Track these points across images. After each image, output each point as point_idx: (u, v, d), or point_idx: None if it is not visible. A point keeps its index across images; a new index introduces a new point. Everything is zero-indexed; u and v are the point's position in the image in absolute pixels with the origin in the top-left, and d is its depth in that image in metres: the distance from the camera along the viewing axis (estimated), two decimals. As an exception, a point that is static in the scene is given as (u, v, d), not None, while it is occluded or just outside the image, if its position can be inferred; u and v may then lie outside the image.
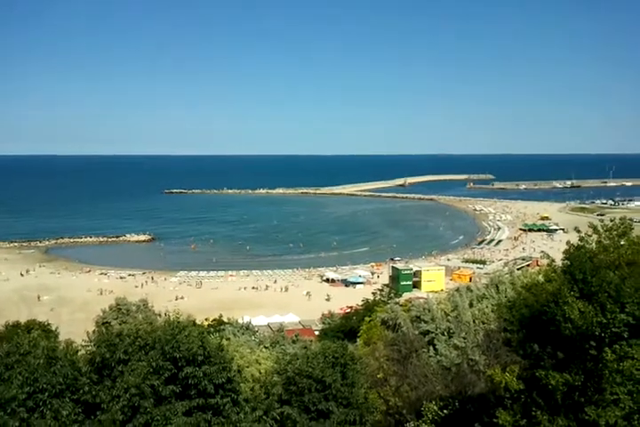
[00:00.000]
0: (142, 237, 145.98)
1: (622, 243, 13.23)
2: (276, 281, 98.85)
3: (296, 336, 38.26)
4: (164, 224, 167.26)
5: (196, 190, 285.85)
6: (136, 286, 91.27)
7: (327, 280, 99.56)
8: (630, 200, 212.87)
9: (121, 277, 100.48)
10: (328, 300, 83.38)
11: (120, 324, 28.87)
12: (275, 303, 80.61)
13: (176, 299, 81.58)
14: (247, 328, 40.11)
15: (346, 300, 74.95)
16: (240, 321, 45.36)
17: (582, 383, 12.48)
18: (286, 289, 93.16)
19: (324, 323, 59.75)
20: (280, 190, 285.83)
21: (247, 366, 20.43)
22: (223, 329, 37.17)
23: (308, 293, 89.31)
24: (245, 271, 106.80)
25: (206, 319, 48.08)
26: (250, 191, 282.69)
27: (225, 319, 48.35)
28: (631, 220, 14.36)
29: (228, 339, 27.67)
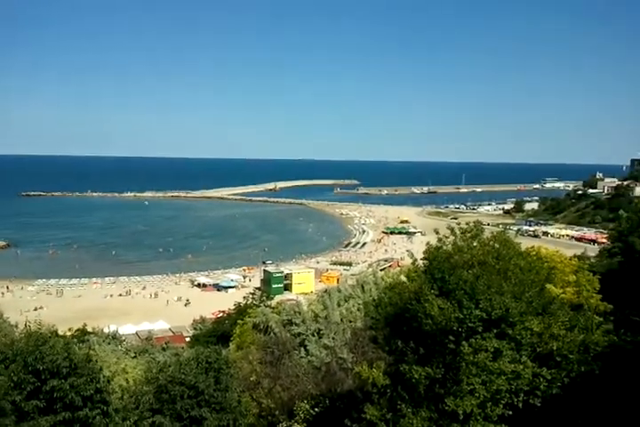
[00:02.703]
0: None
1: (474, 244, 14.33)
2: (144, 287, 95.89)
3: (166, 344, 37.45)
4: (20, 229, 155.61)
5: (57, 193, 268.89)
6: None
7: (198, 285, 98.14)
8: (480, 205, 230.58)
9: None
10: (186, 305, 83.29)
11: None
12: (143, 310, 78.30)
13: (35, 309, 76.58)
14: (114, 337, 38.59)
15: (217, 304, 74.29)
16: (106, 330, 43.54)
17: (442, 376, 13.05)
18: (156, 295, 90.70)
19: (195, 329, 58.79)
20: (149, 194, 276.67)
21: (114, 377, 19.73)
22: (87, 339, 35.43)
23: (179, 298, 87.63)
24: (111, 278, 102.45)
25: (69, 329, 45.54)
26: (117, 195, 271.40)
27: (89, 329, 46.08)
28: (481, 223, 15.58)
29: (93, 349, 26.48)
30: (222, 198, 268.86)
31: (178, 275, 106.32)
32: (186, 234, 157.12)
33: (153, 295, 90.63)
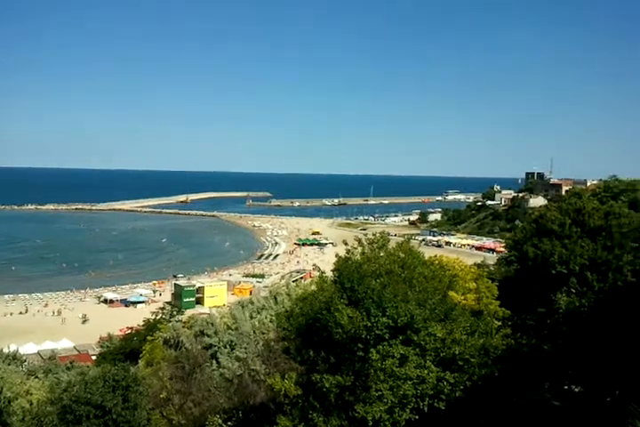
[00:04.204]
0: None
1: (382, 254, 14.83)
2: (47, 305, 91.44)
3: (71, 363, 35.93)
4: None
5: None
6: None
7: (105, 301, 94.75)
8: (387, 216, 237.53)
9: None
10: (84, 322, 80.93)
11: None
12: (46, 329, 74.70)
13: None
14: (14, 358, 36.58)
15: (125, 320, 71.97)
16: (5, 350, 41.16)
17: (352, 383, 13.26)
18: (59, 313, 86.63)
19: (102, 346, 56.65)
20: (51, 206, 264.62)
21: (16, 398, 18.81)
22: (-16, 361, 33.43)
23: (83, 315, 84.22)
24: (11, 295, 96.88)
25: (-37, 351, 42.75)
26: (15, 207, 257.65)
27: (-14, 350, 43.43)
28: (388, 234, 16.17)
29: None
30: (131, 211, 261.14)
31: (83, 291, 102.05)
32: (92, 248, 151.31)
33: (55, 313, 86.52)
